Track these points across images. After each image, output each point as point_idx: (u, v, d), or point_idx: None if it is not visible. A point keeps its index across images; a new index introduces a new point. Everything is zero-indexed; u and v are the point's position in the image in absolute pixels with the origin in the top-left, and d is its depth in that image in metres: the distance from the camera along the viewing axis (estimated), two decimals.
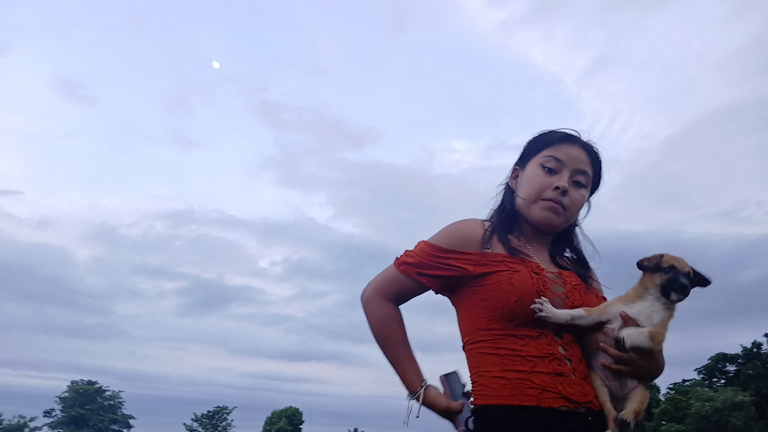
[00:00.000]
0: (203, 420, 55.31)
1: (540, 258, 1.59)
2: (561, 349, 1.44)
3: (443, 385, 1.56)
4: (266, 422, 53.51)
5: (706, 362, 58.63)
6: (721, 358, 58.02)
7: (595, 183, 1.67)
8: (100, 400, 54.40)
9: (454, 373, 1.56)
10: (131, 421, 55.52)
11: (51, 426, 52.22)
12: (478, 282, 1.51)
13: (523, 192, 1.62)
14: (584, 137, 1.62)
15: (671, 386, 58.18)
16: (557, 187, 1.55)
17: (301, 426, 53.06)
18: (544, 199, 1.56)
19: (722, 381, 56.95)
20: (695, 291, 1.46)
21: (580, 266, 1.68)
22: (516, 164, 1.70)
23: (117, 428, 54.62)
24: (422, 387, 1.53)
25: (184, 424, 54.29)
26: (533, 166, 1.61)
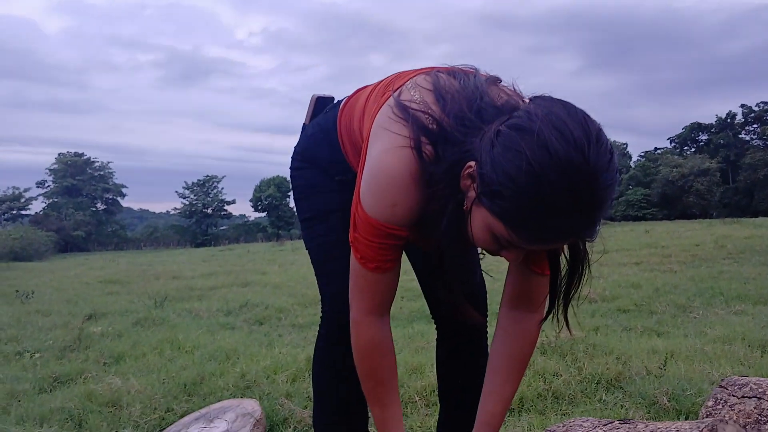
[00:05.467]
0: (194, 188, 57.50)
1: None
2: None
3: (310, 106, 1.52)
4: (255, 190, 55.95)
5: (680, 131, 60.68)
6: (695, 128, 60.00)
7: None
8: (90, 171, 55.52)
9: (332, 99, 1.52)
10: (124, 190, 57.51)
11: (45, 196, 53.98)
12: None
13: (470, 229, 1.02)
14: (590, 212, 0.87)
15: (642, 154, 60.88)
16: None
17: (288, 194, 55.63)
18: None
19: (693, 149, 59.65)
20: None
21: None
22: (476, 171, 0.95)
23: (110, 196, 56.69)
24: None
25: (176, 191, 56.57)
26: (482, 222, 0.97)
